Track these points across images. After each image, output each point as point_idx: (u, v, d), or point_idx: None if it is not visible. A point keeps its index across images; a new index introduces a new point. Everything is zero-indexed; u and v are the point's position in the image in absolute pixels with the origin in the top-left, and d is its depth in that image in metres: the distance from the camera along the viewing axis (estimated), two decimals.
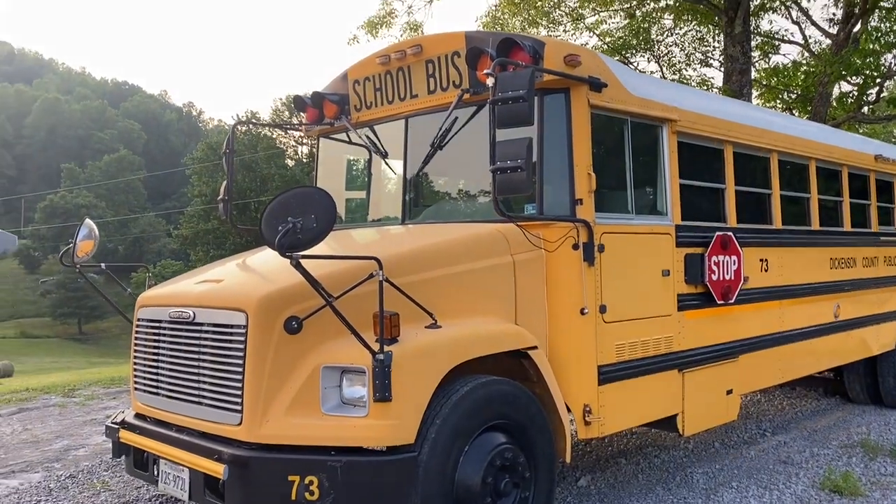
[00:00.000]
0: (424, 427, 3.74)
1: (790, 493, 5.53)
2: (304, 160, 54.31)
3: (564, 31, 17.72)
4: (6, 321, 72.88)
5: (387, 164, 5.74)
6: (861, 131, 17.89)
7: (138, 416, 4.57)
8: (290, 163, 57.84)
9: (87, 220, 5.02)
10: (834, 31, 16.78)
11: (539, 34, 15.12)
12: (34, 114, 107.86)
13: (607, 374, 4.83)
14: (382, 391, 3.57)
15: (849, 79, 16.42)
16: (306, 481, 3.59)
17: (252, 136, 53.97)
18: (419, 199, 5.57)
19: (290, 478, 3.61)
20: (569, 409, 4.59)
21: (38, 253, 79.01)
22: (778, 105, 18.29)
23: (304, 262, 3.37)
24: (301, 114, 6.16)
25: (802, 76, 17.53)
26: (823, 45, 17.60)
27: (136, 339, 4.60)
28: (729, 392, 5.93)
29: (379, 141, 5.68)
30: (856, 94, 17.27)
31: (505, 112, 4.05)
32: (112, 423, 4.64)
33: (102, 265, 5.34)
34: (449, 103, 4.98)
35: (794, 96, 18.03)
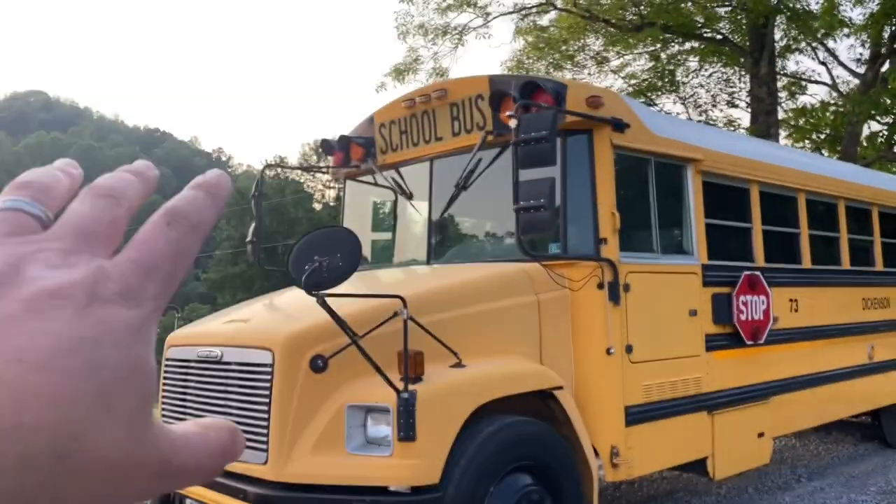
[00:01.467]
0: (449, 467, 3.71)
1: None
2: (332, 204, 54.95)
3: (589, 74, 17.91)
4: None
5: (412, 205, 5.81)
6: (893, 170, 17.70)
7: None
8: (318, 206, 58.56)
9: None
10: (861, 70, 16.74)
11: (564, 77, 15.29)
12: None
13: (635, 416, 4.76)
14: (407, 430, 3.56)
15: (878, 118, 16.33)
16: None
17: (280, 180, 54.83)
18: (444, 240, 5.61)
19: None
20: (596, 452, 4.53)
21: None
22: (807, 145, 18.21)
23: (329, 300, 3.41)
24: (328, 157, 6.27)
25: (831, 116, 17.47)
26: (851, 85, 17.56)
27: (164, 378, 4.64)
28: (761, 435, 5.81)
29: (404, 183, 5.76)
30: (886, 133, 17.14)
31: (528, 153, 4.10)
32: None
33: None
34: (473, 145, 5.05)
35: (822, 136, 17.94)
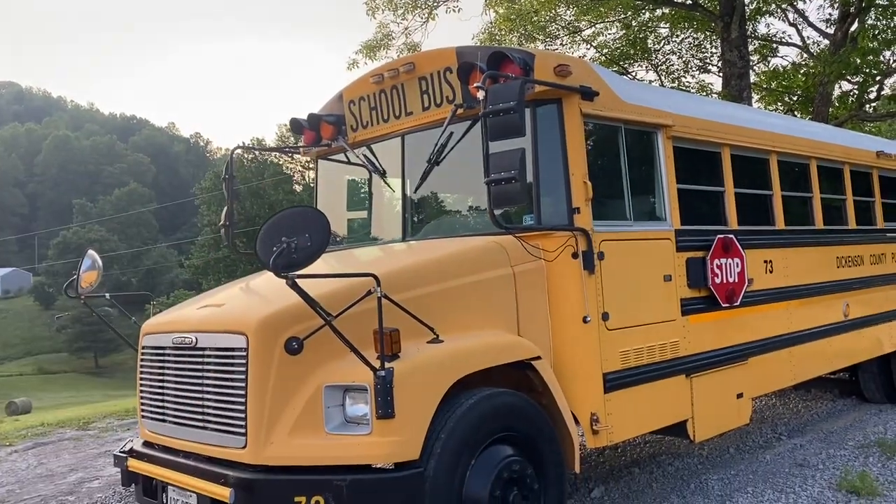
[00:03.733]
0: (429, 442, 3.73)
1: (806, 496, 5.46)
2: (311, 185, 54.57)
3: (561, 44, 17.83)
4: (23, 358, 73.37)
5: (385, 182, 5.78)
6: (866, 129, 17.82)
7: (146, 443, 4.57)
8: (298, 188, 58.17)
9: (90, 251, 5.06)
10: (831, 31, 16.79)
11: (536, 48, 15.19)
12: (45, 152, 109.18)
13: (613, 382, 4.80)
14: (385, 408, 3.57)
15: (849, 78, 16.41)
16: (313, 501, 3.58)
17: (259, 162, 54.36)
18: (420, 216, 5.59)
19: (297, 498, 3.60)
20: (576, 420, 4.57)
21: (52, 289, 79.52)
22: (779, 107, 18.27)
23: (301, 281, 3.39)
24: (299, 136, 6.21)
25: (802, 77, 17.52)
26: (822, 46, 17.60)
27: (141, 366, 4.62)
28: (739, 396, 5.88)
29: (377, 159, 5.72)
30: (857, 92, 17.25)
31: (496, 124, 4.08)
32: (120, 452, 4.65)
33: (107, 295, 5.37)
34: (443, 119, 5.00)
35: (795, 98, 18.01)
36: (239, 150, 6.12)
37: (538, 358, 4.39)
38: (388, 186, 5.79)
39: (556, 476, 4.28)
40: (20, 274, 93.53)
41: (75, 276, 4.94)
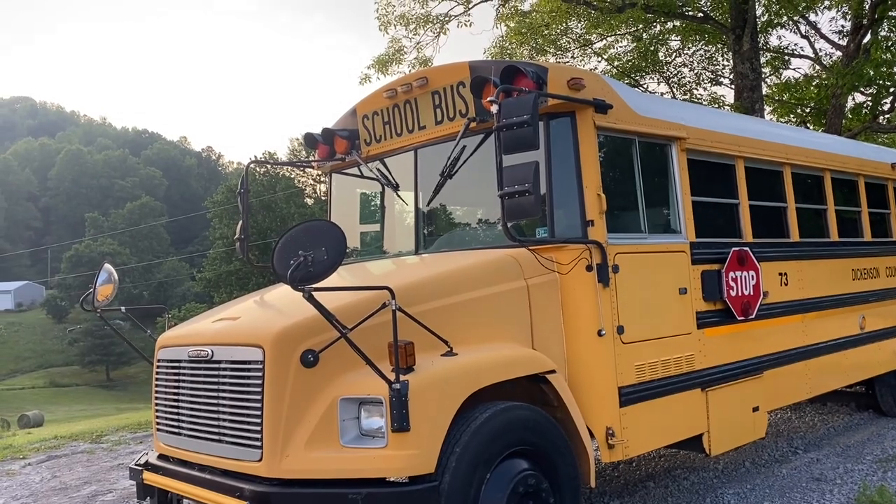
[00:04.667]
0: (444, 456, 3.71)
1: None
2: (323, 198, 54.86)
3: (573, 57, 17.88)
4: (36, 371, 73.69)
5: (398, 195, 5.80)
6: (879, 141, 17.75)
7: (161, 456, 4.58)
8: (310, 201, 58.41)
9: (106, 265, 5.09)
10: (843, 42, 16.76)
11: (547, 61, 15.25)
12: (58, 165, 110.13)
13: (628, 396, 4.78)
14: (400, 421, 3.56)
15: (862, 89, 16.34)
16: None
17: (271, 176, 54.66)
18: (432, 229, 5.61)
19: None
20: (591, 433, 4.55)
21: (64, 302, 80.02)
22: (792, 119, 18.23)
23: (317, 294, 3.40)
24: (313, 151, 6.25)
25: (815, 89, 17.48)
26: (834, 58, 17.57)
27: (156, 379, 4.63)
28: (755, 409, 5.84)
29: (390, 173, 5.74)
30: (870, 104, 17.17)
31: (510, 137, 4.09)
32: (136, 465, 4.66)
33: (122, 309, 5.40)
34: (456, 133, 5.02)
35: (807, 110, 17.96)
36: (253, 165, 6.16)
37: (553, 371, 4.37)
38: (402, 200, 5.81)
39: (572, 490, 4.26)
40: (33, 287, 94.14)
41: (91, 290, 4.96)
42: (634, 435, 4.77)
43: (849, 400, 9.16)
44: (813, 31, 17.68)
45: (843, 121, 16.34)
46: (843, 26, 17.24)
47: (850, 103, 17.07)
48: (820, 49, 18.12)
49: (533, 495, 4.03)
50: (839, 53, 17.02)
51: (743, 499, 5.76)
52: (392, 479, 3.67)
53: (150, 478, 4.48)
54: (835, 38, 17.39)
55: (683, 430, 5.23)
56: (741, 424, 5.71)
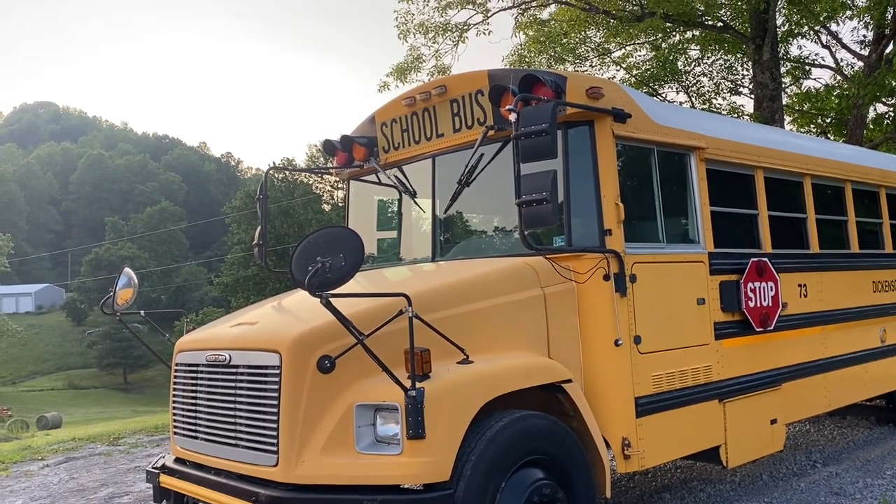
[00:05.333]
0: (460, 464, 3.71)
1: None
2: (340, 204, 55.12)
3: (591, 66, 17.85)
4: (55, 373, 74.41)
5: (416, 203, 5.81)
6: None
7: (178, 460, 4.61)
8: (327, 207, 58.71)
9: (126, 269, 5.14)
10: (865, 52, 16.62)
11: (566, 70, 15.24)
12: (79, 170, 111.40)
13: (645, 406, 4.75)
14: (416, 428, 3.56)
15: (884, 100, 16.20)
16: None
17: (289, 182, 55.03)
18: (449, 236, 5.61)
19: None
20: (607, 444, 4.53)
21: (84, 305, 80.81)
22: (812, 130, 18.09)
23: (335, 300, 3.42)
24: (332, 158, 6.28)
25: (836, 100, 17.34)
26: (856, 68, 17.43)
27: (174, 383, 4.67)
28: (773, 421, 5.78)
29: (407, 181, 5.76)
30: (892, 114, 17.01)
31: (528, 146, 4.09)
32: (152, 468, 4.70)
33: (142, 313, 5.46)
34: (474, 141, 5.04)
35: (828, 120, 17.83)
36: (272, 171, 6.21)
37: (569, 381, 4.36)
38: (419, 207, 5.83)
39: (587, 501, 4.23)
40: (53, 290, 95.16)
41: (112, 294, 5.01)
42: (651, 446, 4.74)
43: (869, 413, 9.04)
44: (834, 41, 17.56)
45: (865, 131, 16.20)
46: (864, 36, 17.12)
47: (871, 114, 16.93)
48: (841, 59, 18.00)
49: None
50: (861, 63, 16.88)
51: None
52: (407, 487, 3.67)
53: (166, 481, 4.51)
54: (856, 47, 17.27)
55: (700, 442, 5.19)
56: (759, 437, 5.66)
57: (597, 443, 4.35)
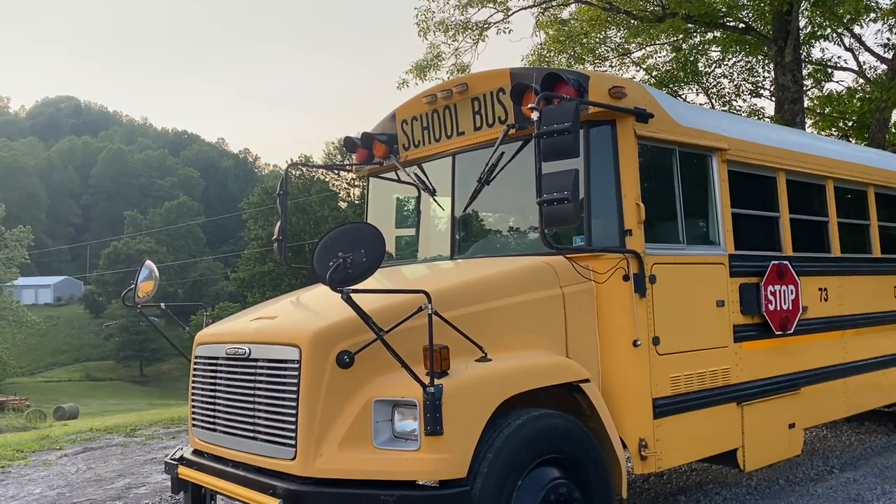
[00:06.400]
0: (476, 461, 3.72)
1: None
2: (357, 202, 55.29)
3: (610, 66, 17.77)
4: (72, 364, 75.22)
5: (435, 201, 5.82)
6: None
7: (196, 452, 4.65)
8: (343, 205, 58.88)
9: (148, 262, 5.18)
10: (889, 55, 16.43)
11: (585, 70, 15.18)
12: (99, 164, 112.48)
13: (663, 408, 4.74)
14: (433, 425, 3.57)
15: None
16: None
17: (306, 179, 55.23)
18: (468, 235, 5.62)
19: None
20: (624, 444, 4.51)
21: (102, 298, 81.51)
22: (834, 133, 17.91)
23: (355, 296, 3.43)
24: (351, 154, 6.30)
25: (858, 103, 17.16)
26: (879, 71, 17.23)
27: (193, 376, 4.71)
28: (791, 426, 5.75)
29: (427, 179, 5.77)
30: None
31: (550, 145, 4.09)
32: (171, 459, 4.74)
33: (162, 305, 5.50)
34: (495, 139, 5.04)
35: (850, 124, 17.64)
36: (293, 169, 6.25)
37: (587, 380, 4.35)
38: (438, 205, 5.83)
39: (603, 501, 4.22)
40: (71, 282, 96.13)
41: (133, 286, 5.06)
42: (668, 447, 4.72)
43: (887, 420, 8.94)
44: (857, 44, 17.36)
45: (887, 135, 16.01)
46: (888, 39, 16.92)
47: (894, 117, 16.73)
48: (864, 62, 17.80)
49: None
50: (884, 67, 16.69)
51: None
52: (424, 483, 3.68)
53: (184, 472, 4.55)
54: (880, 50, 17.07)
55: (718, 445, 5.16)
56: (776, 441, 5.62)
57: (614, 443, 4.34)
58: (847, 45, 17.50)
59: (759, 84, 18.00)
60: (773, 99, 15.26)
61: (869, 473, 6.89)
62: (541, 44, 17.32)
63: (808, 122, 16.94)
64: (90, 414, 30.72)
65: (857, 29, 16.86)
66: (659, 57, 18.15)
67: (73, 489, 7.28)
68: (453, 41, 17.06)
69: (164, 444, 9.62)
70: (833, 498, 6.13)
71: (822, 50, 28.16)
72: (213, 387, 4.47)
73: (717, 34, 16.65)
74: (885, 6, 15.45)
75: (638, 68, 18.12)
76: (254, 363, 4.14)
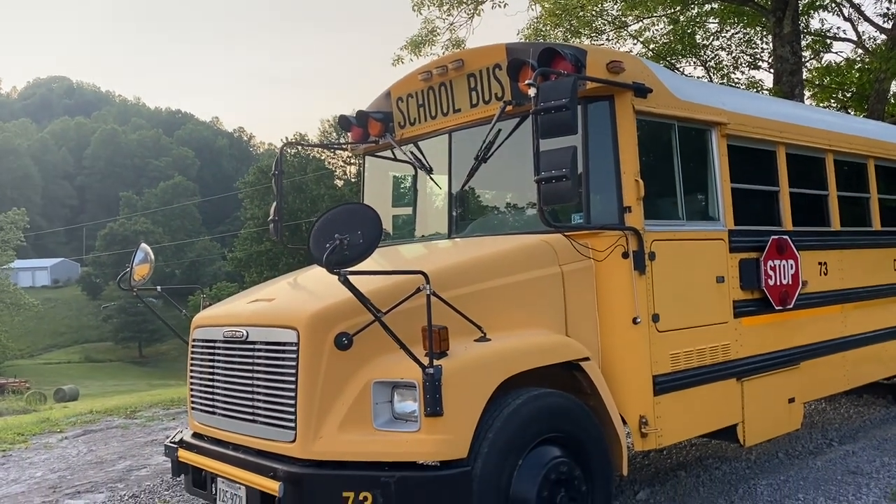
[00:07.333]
0: (477, 441, 3.70)
1: None
2: (353, 180, 55.13)
3: (607, 39, 17.61)
4: (71, 346, 75.40)
5: (432, 179, 5.76)
6: None
7: (196, 435, 4.64)
8: (339, 183, 58.70)
9: (143, 245, 5.14)
10: (888, 25, 16.29)
11: (582, 44, 15.03)
12: (93, 145, 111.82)
13: (663, 385, 4.72)
14: (433, 405, 3.55)
15: None
16: (360, 497, 3.59)
17: (301, 158, 54.98)
18: (465, 213, 5.56)
19: (345, 494, 3.61)
20: (624, 421, 4.51)
21: (99, 279, 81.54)
22: (832, 104, 17.82)
23: (352, 277, 3.40)
24: (347, 133, 6.23)
25: (857, 74, 17.05)
26: (878, 41, 17.11)
27: (191, 359, 4.68)
28: (791, 400, 5.75)
29: (423, 157, 5.70)
30: None
31: (548, 121, 4.03)
32: (171, 442, 4.72)
33: (158, 288, 5.46)
34: (492, 116, 4.98)
35: (849, 95, 17.54)
36: (288, 148, 6.19)
37: (586, 359, 4.33)
38: (435, 183, 5.78)
39: (604, 478, 4.23)
40: (68, 264, 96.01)
41: (128, 269, 5.02)
42: (668, 424, 4.72)
43: (886, 392, 8.97)
44: (856, 14, 17.20)
45: (886, 106, 15.93)
46: (888, 8, 16.76)
47: (893, 88, 16.63)
48: (863, 32, 17.72)
49: (565, 482, 4.00)
50: (883, 37, 16.56)
51: (776, 490, 5.69)
52: (424, 463, 3.67)
53: (184, 455, 4.54)
54: (879, 20, 16.92)
55: (718, 420, 5.16)
56: (776, 415, 5.63)
57: (614, 421, 4.33)
58: (846, 15, 17.36)
59: (758, 56, 17.89)
60: (772, 71, 15.14)
61: (868, 446, 6.92)
62: (537, 17, 17.15)
63: (807, 93, 16.84)
64: (90, 395, 30.80)
65: None
66: (656, 30, 18.01)
67: (74, 472, 7.29)
68: (448, 15, 16.90)
69: (164, 426, 9.64)
70: (832, 470, 6.16)
71: (821, 20, 27.92)
72: (211, 370, 4.45)
73: (715, 5, 16.51)
74: None
75: (635, 41, 17.98)
76: (251, 346, 4.11)
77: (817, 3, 16.00)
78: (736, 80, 17.65)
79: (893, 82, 15.94)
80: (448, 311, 3.77)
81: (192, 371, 4.67)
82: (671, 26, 17.36)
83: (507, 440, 3.77)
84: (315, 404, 3.77)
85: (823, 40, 17.87)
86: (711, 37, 17.85)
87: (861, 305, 6.62)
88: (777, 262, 5.61)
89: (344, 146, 6.72)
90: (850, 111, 17.00)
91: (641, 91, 4.73)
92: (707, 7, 16.90)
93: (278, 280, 5.26)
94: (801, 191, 6.21)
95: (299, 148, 53.95)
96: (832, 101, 17.77)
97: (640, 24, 17.89)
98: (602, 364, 4.56)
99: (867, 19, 16.99)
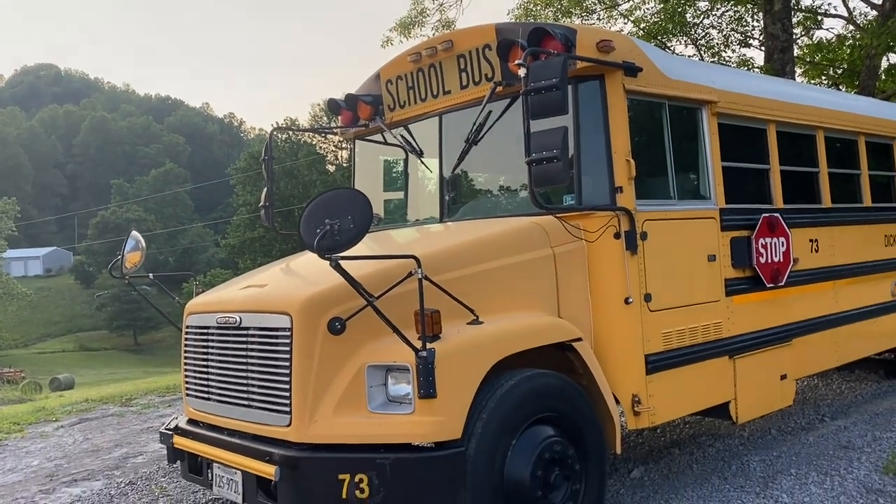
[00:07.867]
0: (471, 422, 3.73)
1: (852, 479, 5.37)
2: (345, 164, 54.93)
3: (598, 18, 17.53)
4: (65, 335, 75.28)
5: (422, 162, 5.74)
6: None
7: (191, 421, 4.65)
8: (331, 168, 58.47)
9: (134, 233, 5.12)
10: (879, 1, 16.24)
11: (572, 23, 14.95)
12: (83, 132, 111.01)
13: (655, 363, 4.75)
14: (427, 388, 3.57)
15: None
16: (356, 479, 3.61)
17: (293, 143, 54.74)
18: (457, 196, 5.55)
19: (341, 476, 3.63)
20: (617, 401, 4.54)
21: (92, 268, 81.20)
22: (823, 81, 17.80)
23: (344, 262, 3.40)
24: (336, 117, 6.20)
25: (848, 50, 17.03)
26: (869, 17, 17.07)
27: (185, 346, 4.68)
28: (783, 377, 5.79)
29: (414, 140, 5.68)
30: None
31: (538, 102, 4.02)
32: (166, 429, 4.73)
33: (150, 276, 5.45)
34: (482, 98, 4.96)
35: (839, 71, 17.53)
36: (279, 133, 6.16)
37: (579, 339, 4.35)
38: (426, 167, 5.76)
39: (598, 457, 4.27)
40: (61, 253, 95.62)
41: (120, 257, 5.00)
42: (661, 402, 4.75)
43: (877, 367, 9.05)
44: None
45: (877, 82, 15.92)
46: None
47: (884, 64, 16.63)
48: (854, 8, 17.72)
49: (559, 462, 4.04)
50: (874, 12, 16.52)
51: (769, 466, 5.74)
52: (418, 445, 3.69)
53: (180, 442, 4.55)
54: None
55: (710, 398, 5.20)
56: (769, 392, 5.67)
57: (607, 400, 4.36)
58: None
59: (749, 34, 17.82)
60: (763, 48, 15.10)
61: (859, 420, 6.99)
62: None
63: (798, 70, 16.81)
64: (86, 384, 30.80)
65: None
66: (647, 8, 17.91)
67: (70, 460, 7.31)
68: None
69: (160, 413, 9.65)
70: (824, 445, 6.22)
71: None
72: (205, 356, 4.45)
73: None
74: None
75: (626, 21, 17.89)
76: (245, 332, 4.11)
77: None
78: (727, 59, 17.60)
79: (884, 58, 15.94)
80: (440, 294, 3.77)
81: (186, 358, 4.67)
82: (662, 5, 17.28)
83: (500, 421, 3.80)
84: (310, 388, 3.78)
85: (814, 17, 17.83)
86: (702, 15, 17.77)
87: (852, 282, 6.66)
88: (768, 239, 5.63)
89: (334, 130, 6.68)
90: (840, 87, 17.00)
91: (632, 70, 4.72)
92: None
93: (270, 266, 5.25)
94: (792, 168, 6.22)
95: (290, 133, 53.69)
96: (823, 77, 17.76)
97: (631, 2, 17.82)
98: (594, 344, 4.59)
99: None
